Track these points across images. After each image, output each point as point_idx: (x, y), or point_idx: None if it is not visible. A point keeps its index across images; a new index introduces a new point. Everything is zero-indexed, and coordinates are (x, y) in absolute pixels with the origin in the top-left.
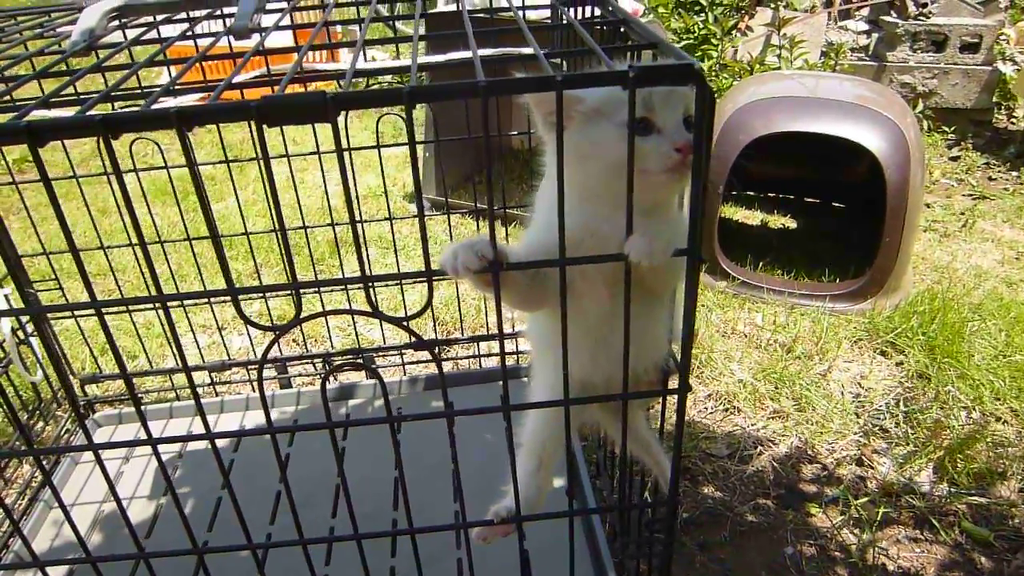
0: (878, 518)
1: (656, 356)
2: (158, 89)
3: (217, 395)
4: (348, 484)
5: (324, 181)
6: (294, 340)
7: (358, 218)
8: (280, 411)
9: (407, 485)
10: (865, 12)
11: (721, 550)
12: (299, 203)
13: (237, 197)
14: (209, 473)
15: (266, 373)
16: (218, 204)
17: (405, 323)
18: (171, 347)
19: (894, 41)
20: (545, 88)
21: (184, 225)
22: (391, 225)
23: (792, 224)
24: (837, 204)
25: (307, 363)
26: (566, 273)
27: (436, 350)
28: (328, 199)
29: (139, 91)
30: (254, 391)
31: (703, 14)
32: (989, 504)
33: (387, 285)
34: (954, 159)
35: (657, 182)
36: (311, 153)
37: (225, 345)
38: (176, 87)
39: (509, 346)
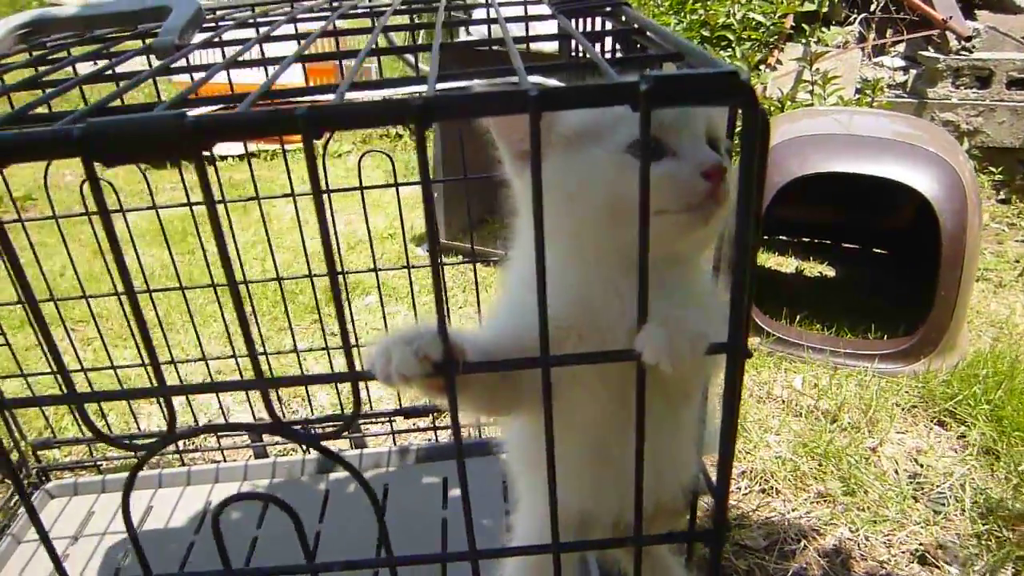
0: None
1: (682, 479)
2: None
3: (184, 464)
4: None
5: (300, 227)
6: (276, 398)
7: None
8: (254, 484)
9: None
10: (901, 48)
11: None
12: (271, 253)
13: (206, 243)
14: (167, 556)
15: (240, 440)
16: (212, 246)
17: (319, 443)
18: (133, 418)
19: (935, 77)
20: (513, 107)
21: (176, 270)
22: (376, 276)
23: (830, 272)
24: (878, 250)
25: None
26: (554, 374)
27: (431, 416)
28: (301, 250)
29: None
30: (225, 460)
31: (730, 49)
32: None
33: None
34: (1003, 202)
35: (676, 227)
36: (283, 196)
37: (193, 412)
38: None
39: None
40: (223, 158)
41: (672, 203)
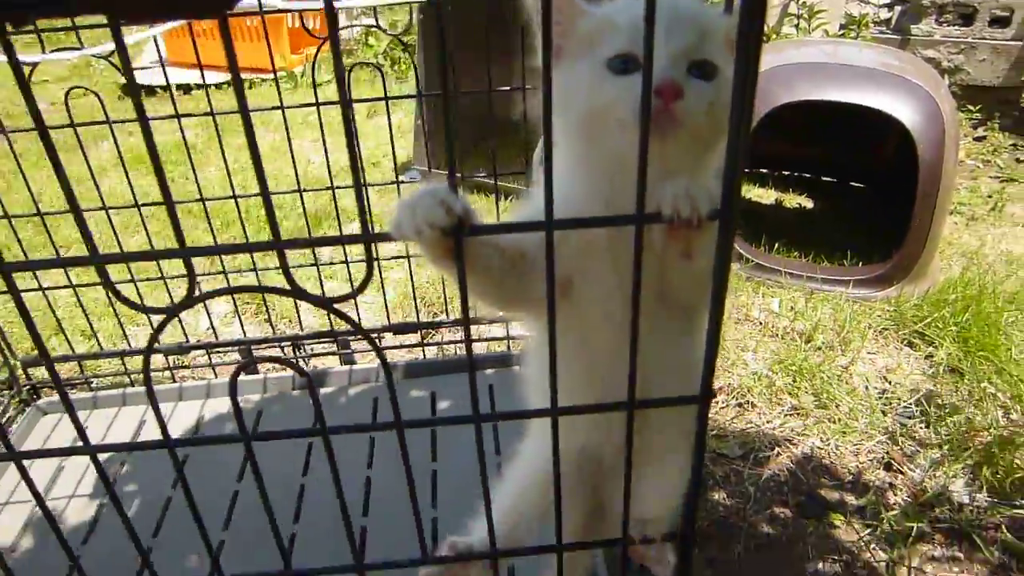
0: (911, 532)
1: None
2: None
3: (175, 381)
4: (318, 485)
5: (324, 140)
6: (265, 320)
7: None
8: (244, 399)
9: (383, 490)
10: None
11: (733, 567)
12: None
13: (191, 160)
14: (158, 471)
15: (231, 357)
16: (200, 172)
17: (331, 305)
18: (122, 329)
19: (919, 14)
20: None
21: (133, 192)
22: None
23: (809, 204)
24: (856, 184)
25: (274, 346)
26: (562, 265)
27: (419, 333)
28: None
29: None
30: (216, 376)
31: None
32: None
33: (362, 261)
34: (979, 139)
35: (632, 138)
36: (309, 105)
37: (183, 327)
38: None
39: (498, 331)
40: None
41: (626, 113)
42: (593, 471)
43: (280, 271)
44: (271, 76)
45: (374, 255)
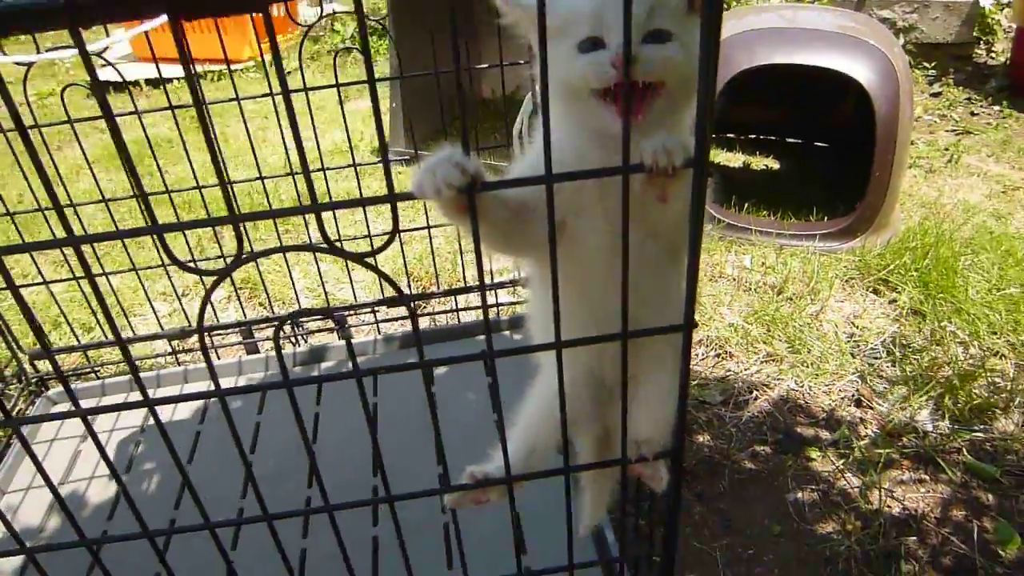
0: (881, 460)
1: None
2: None
3: (180, 364)
4: (326, 449)
5: (312, 119)
6: (260, 304)
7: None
8: (247, 377)
9: (389, 448)
10: None
11: (720, 500)
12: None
13: (185, 148)
14: (176, 446)
15: (232, 339)
16: (176, 166)
17: (367, 259)
18: (125, 316)
19: None
20: None
21: (132, 183)
22: (353, 174)
23: (775, 165)
24: (820, 144)
25: (275, 326)
26: (558, 211)
27: (411, 304)
28: (261, 153)
29: None
30: (219, 358)
31: None
32: (994, 440)
33: (354, 239)
34: (935, 95)
35: (597, 106)
36: (263, 95)
37: (185, 312)
38: None
39: (490, 296)
40: (169, 80)
41: (593, 84)
42: (598, 397)
43: (278, 256)
44: (236, 67)
45: (390, 222)
